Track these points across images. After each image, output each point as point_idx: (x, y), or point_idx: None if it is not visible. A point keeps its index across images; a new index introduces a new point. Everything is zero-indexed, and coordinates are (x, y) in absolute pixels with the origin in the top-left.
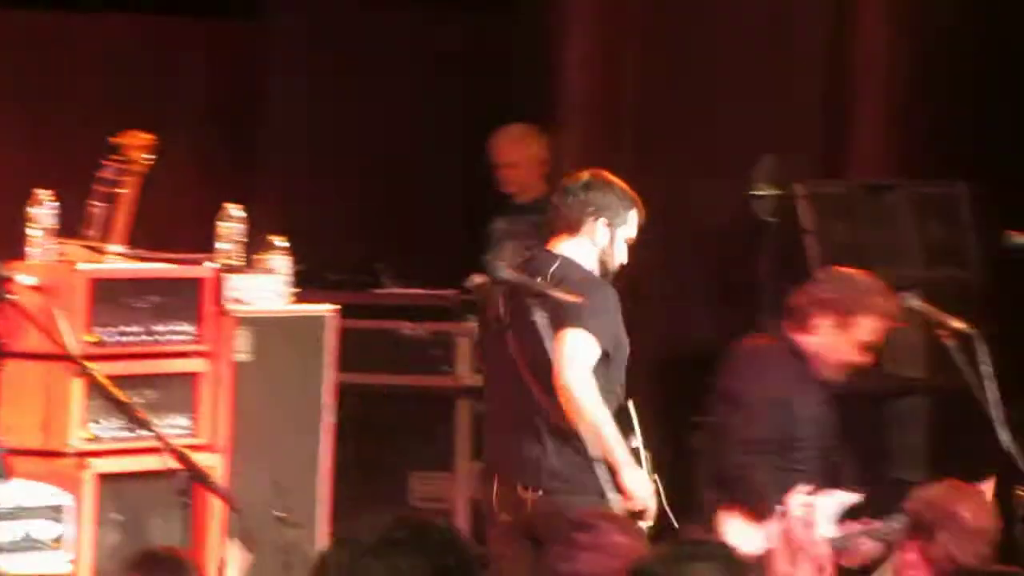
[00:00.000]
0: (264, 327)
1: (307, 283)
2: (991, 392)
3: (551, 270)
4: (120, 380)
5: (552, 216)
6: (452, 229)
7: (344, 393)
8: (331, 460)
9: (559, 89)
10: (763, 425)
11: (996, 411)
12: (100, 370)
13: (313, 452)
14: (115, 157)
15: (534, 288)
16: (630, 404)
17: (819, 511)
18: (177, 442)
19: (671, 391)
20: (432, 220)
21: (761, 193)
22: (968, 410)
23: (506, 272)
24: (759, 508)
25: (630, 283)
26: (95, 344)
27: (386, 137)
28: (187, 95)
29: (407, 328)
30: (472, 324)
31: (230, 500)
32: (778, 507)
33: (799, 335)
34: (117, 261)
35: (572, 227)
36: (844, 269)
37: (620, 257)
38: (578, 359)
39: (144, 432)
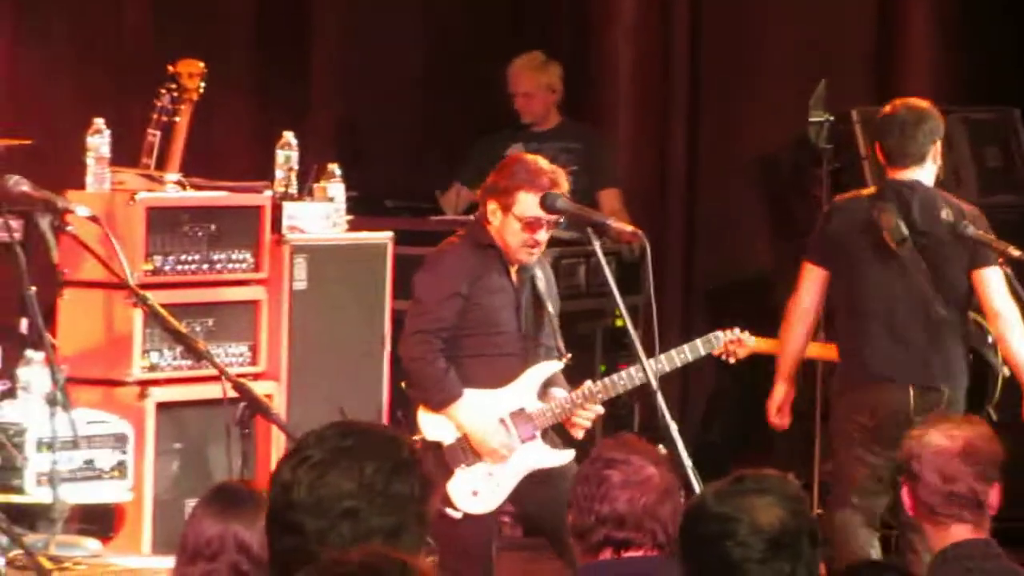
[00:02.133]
0: (321, 255)
1: (363, 210)
2: None
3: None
4: (178, 309)
5: (898, 149)
6: None
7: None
8: (390, 389)
9: (610, 15)
10: (436, 316)
11: None
12: (158, 299)
13: (373, 381)
14: (170, 85)
15: (593, 218)
16: None
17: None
18: (236, 371)
19: (726, 319)
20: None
21: (817, 119)
22: None
23: (562, 202)
24: (433, 398)
25: (685, 212)
26: (152, 273)
27: (440, 59)
28: (237, 21)
29: None
30: None
31: (289, 430)
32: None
33: (486, 225)
34: (174, 189)
35: (922, 158)
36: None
37: None
38: None
39: (202, 361)
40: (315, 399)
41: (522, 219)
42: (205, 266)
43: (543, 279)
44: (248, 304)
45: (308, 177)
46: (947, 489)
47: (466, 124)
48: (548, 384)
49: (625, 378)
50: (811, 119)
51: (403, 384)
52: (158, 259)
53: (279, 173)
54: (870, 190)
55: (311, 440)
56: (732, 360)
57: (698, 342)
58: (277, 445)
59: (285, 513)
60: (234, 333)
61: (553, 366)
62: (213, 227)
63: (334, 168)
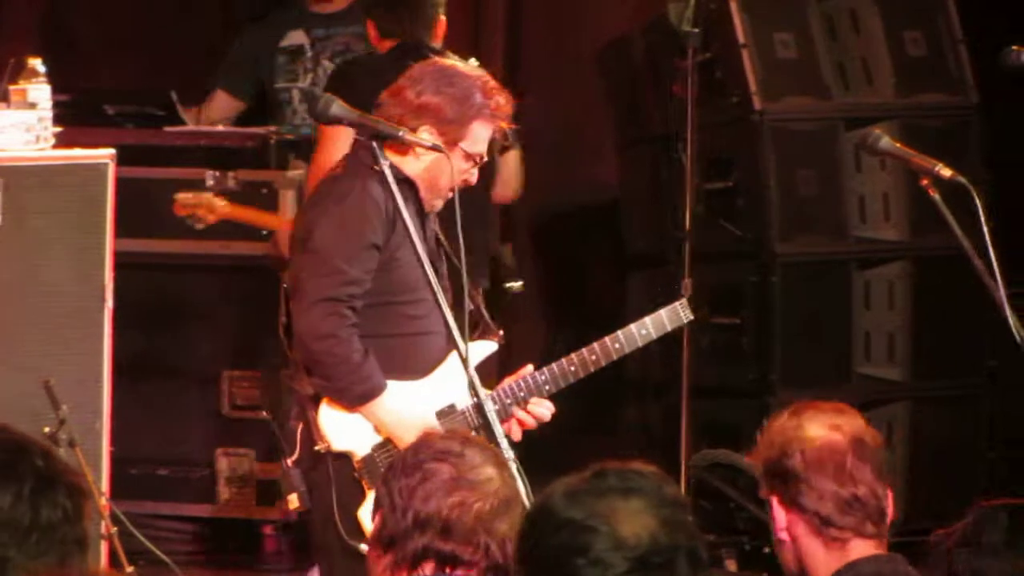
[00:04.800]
0: (19, 179)
1: (76, 119)
2: (989, 257)
3: None
4: None
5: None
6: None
7: (129, 267)
8: (114, 357)
9: None
10: (348, 277)
11: (996, 281)
12: None
13: (90, 347)
14: None
15: (381, 130)
16: None
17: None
18: None
19: (563, 245)
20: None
21: None
22: (959, 280)
23: (338, 107)
24: (351, 391)
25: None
26: None
27: None
28: None
29: (211, 177)
30: (300, 171)
31: None
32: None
33: (395, 156)
34: None
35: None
36: (440, 62)
37: None
38: None
39: None
40: (11, 372)
41: (473, 156)
42: None
43: (438, 229)
44: None
45: (2, 75)
46: (846, 493)
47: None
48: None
49: (577, 364)
50: None
51: (289, 375)
52: None
53: None
54: None
55: None
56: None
57: (663, 314)
58: None
59: None
60: None
61: (486, 347)
62: None
63: (36, 63)
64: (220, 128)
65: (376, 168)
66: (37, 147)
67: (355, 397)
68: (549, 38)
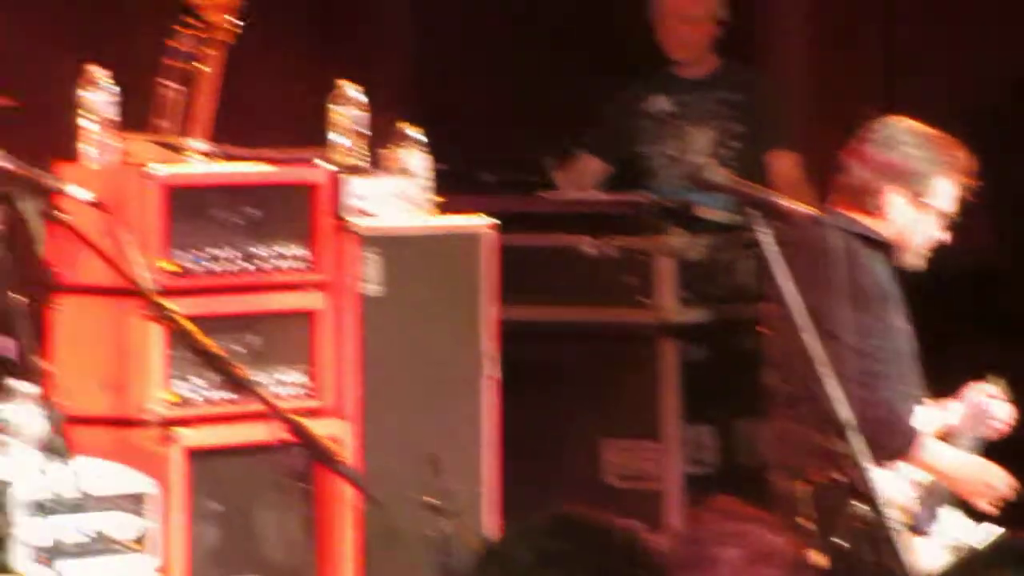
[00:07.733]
0: (399, 248)
1: (454, 187)
2: None
3: None
4: (211, 322)
5: None
6: None
7: (508, 335)
8: (497, 426)
9: None
10: (872, 348)
11: None
12: (183, 309)
13: (471, 416)
14: (190, 23)
15: (755, 196)
16: None
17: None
18: (290, 405)
19: (941, 310)
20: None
21: None
22: None
23: (718, 175)
24: (891, 445)
25: None
26: (176, 275)
27: None
28: None
29: (588, 245)
30: (678, 239)
31: (362, 483)
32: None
33: (867, 219)
34: (200, 162)
35: None
36: (898, 121)
37: None
38: None
39: (245, 393)
40: (394, 442)
41: (942, 213)
42: (245, 264)
43: None
44: (302, 315)
45: (378, 144)
46: None
47: (583, 70)
48: None
49: None
50: None
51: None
52: (182, 255)
53: (339, 139)
54: None
55: (519, 531)
56: None
57: None
58: (347, 505)
59: None
60: (286, 354)
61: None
62: (254, 212)
63: (413, 132)
64: (597, 195)
65: (864, 234)
66: (416, 216)
67: (894, 451)
68: (930, 90)
